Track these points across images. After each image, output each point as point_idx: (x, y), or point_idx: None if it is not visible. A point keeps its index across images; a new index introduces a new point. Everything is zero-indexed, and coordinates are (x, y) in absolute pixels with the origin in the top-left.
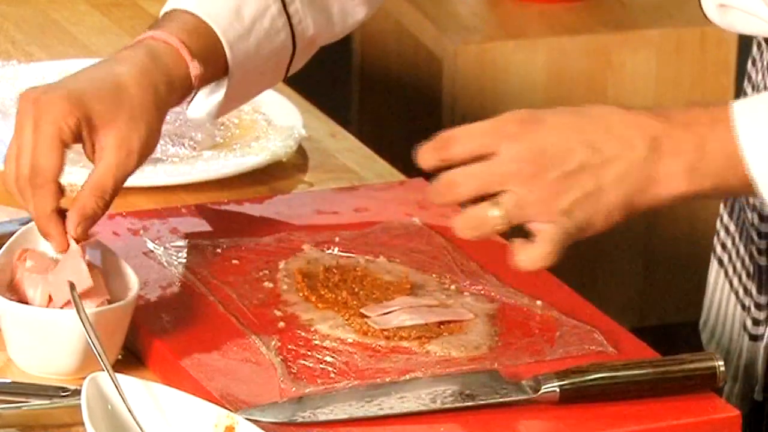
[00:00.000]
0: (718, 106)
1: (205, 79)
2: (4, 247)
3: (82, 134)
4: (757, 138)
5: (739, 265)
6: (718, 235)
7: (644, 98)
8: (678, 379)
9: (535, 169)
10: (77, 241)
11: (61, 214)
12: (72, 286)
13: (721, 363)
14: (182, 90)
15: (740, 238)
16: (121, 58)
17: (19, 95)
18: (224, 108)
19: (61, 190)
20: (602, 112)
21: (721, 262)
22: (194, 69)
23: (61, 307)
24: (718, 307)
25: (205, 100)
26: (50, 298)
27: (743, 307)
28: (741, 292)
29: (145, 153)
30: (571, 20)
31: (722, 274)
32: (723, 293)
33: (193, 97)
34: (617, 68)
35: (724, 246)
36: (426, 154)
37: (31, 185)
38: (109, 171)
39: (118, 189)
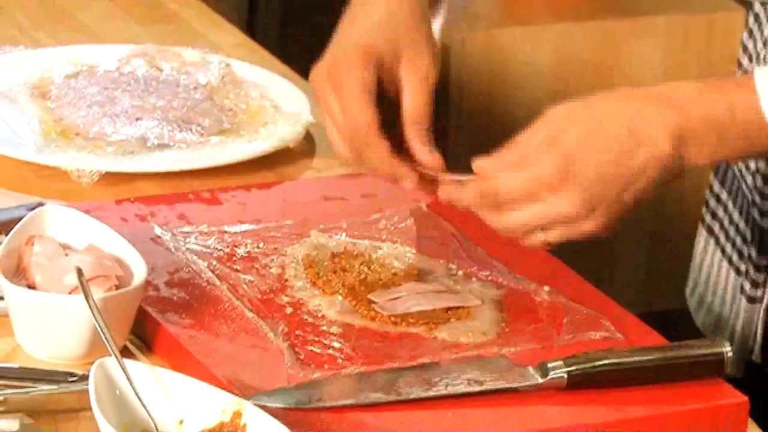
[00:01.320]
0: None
1: None
2: (11, 232)
3: (381, 78)
4: None
5: (732, 231)
6: (708, 204)
7: (652, 82)
8: (686, 365)
9: (581, 214)
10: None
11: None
12: (80, 272)
13: (729, 349)
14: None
15: (734, 205)
16: (365, 1)
17: (311, 78)
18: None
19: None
20: (620, 114)
21: (711, 231)
22: None
23: (69, 293)
24: (707, 274)
25: None
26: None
27: (738, 272)
28: (735, 257)
29: (437, 63)
30: (579, 7)
31: (712, 242)
32: (714, 260)
33: None
34: (624, 55)
35: (714, 214)
36: (481, 206)
37: (357, 143)
38: (417, 97)
39: (430, 109)
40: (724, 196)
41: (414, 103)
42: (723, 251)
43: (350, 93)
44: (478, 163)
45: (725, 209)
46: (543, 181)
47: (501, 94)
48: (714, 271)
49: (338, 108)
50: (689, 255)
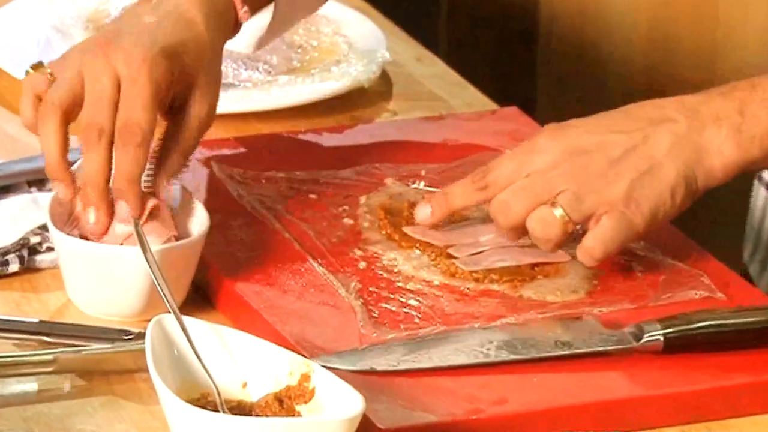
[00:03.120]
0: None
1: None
2: None
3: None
4: None
5: None
6: None
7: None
8: None
9: (578, 164)
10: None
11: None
12: (136, 221)
13: None
14: (233, 30)
15: None
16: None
17: (86, 43)
18: (265, 40)
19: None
20: (630, 106)
21: None
22: (243, 16)
23: (121, 244)
24: None
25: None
26: (108, 230)
27: None
28: None
29: (216, 103)
30: None
31: None
32: None
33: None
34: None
35: None
36: (463, 193)
37: (122, 142)
38: (194, 129)
39: (196, 147)
40: None
41: (188, 137)
42: None
43: (145, 90)
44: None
45: None
46: (533, 144)
47: (592, 44)
48: None
49: (109, 89)
50: (742, 216)
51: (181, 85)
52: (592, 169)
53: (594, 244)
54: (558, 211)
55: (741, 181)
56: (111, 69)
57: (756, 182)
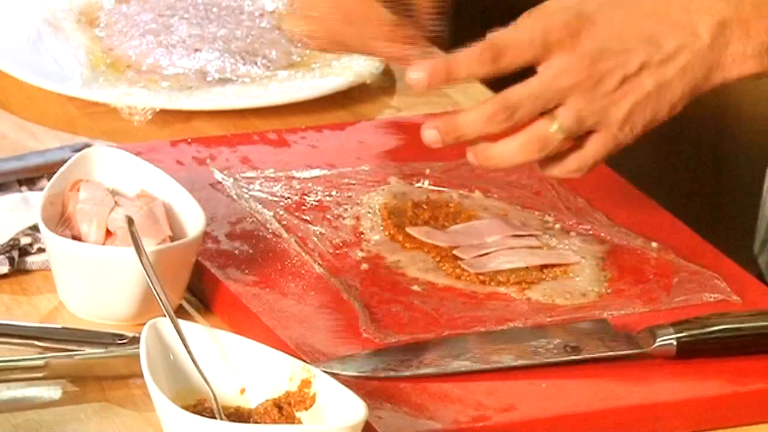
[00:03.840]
0: None
1: None
2: (55, 177)
3: None
4: None
5: None
6: None
7: None
8: None
9: (593, 79)
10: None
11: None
12: (130, 221)
13: None
14: None
15: None
16: None
17: None
18: None
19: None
20: None
21: None
22: None
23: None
24: None
25: None
26: (107, 235)
27: None
28: None
29: None
30: None
31: None
32: None
33: None
34: None
35: None
36: (474, 65)
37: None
38: None
39: None
40: None
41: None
42: None
43: None
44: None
45: None
46: (553, 36)
47: None
48: None
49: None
50: (754, 207)
51: None
52: (603, 86)
53: (576, 167)
54: (554, 127)
55: (754, 170)
56: None
57: None
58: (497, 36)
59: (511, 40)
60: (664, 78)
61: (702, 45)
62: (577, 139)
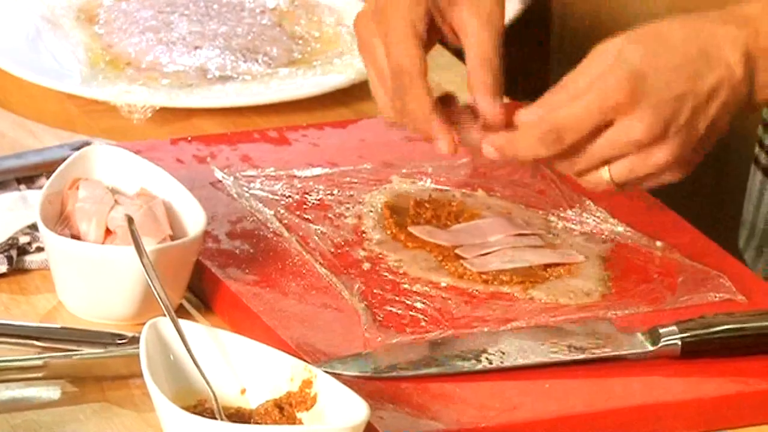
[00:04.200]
0: None
1: None
2: (54, 175)
3: (435, 22)
4: None
5: None
6: (762, 142)
7: None
8: None
9: (652, 136)
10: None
11: (439, 107)
12: (130, 220)
13: None
14: None
15: None
16: None
17: (354, 21)
18: None
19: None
20: (689, 34)
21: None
22: None
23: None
24: (766, 219)
25: None
26: (107, 234)
27: None
28: None
29: (501, 8)
30: None
31: None
32: None
33: None
34: None
35: None
36: (539, 148)
37: (399, 91)
38: (481, 39)
39: (498, 51)
40: None
41: (478, 46)
42: None
43: (395, 32)
44: (535, 105)
45: None
46: (611, 102)
47: (608, 20)
48: None
49: (382, 50)
50: (738, 201)
51: (443, 12)
52: (662, 145)
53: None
54: (607, 175)
55: (739, 165)
56: (372, 33)
57: (753, 167)
58: (557, 116)
59: (570, 118)
60: (711, 117)
61: (738, 78)
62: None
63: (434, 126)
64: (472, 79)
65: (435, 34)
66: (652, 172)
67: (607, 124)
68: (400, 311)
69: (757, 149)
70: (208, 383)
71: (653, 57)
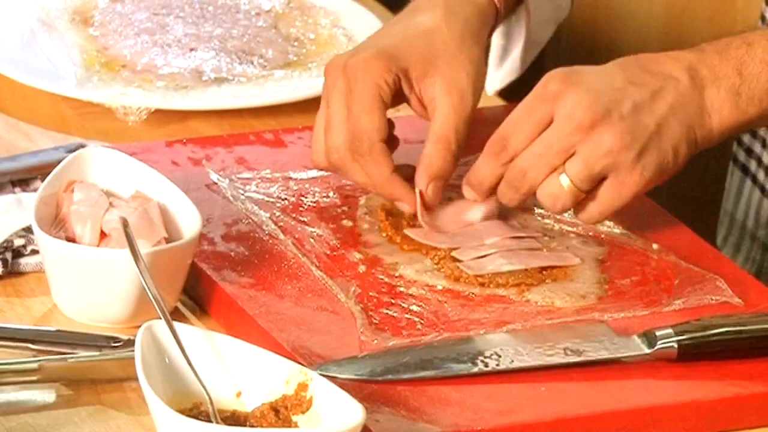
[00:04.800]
0: (747, 31)
1: (507, 5)
2: (49, 177)
3: (402, 90)
4: None
5: None
6: (740, 141)
7: None
8: None
9: (594, 117)
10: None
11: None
12: (125, 223)
13: None
14: (491, 17)
15: None
16: (417, 8)
17: (325, 67)
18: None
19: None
20: (630, 58)
21: (746, 170)
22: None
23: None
24: (743, 217)
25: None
26: (102, 236)
27: None
28: None
29: (478, 89)
30: None
31: (748, 182)
32: (752, 201)
33: (496, 25)
34: (741, 5)
35: (750, 151)
36: (488, 168)
37: (355, 155)
38: (447, 120)
39: (462, 137)
40: (762, 130)
41: (442, 122)
42: (763, 190)
43: (361, 96)
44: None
45: (764, 144)
46: (546, 94)
47: (607, 48)
48: (752, 213)
49: (342, 108)
50: (717, 199)
51: (413, 82)
52: (605, 127)
53: (595, 214)
54: (566, 182)
55: (717, 163)
56: (338, 87)
57: (731, 165)
58: (500, 127)
59: (510, 121)
60: (659, 115)
61: (683, 84)
62: (591, 189)
63: (396, 189)
64: (425, 157)
65: (401, 99)
66: (609, 162)
67: (548, 125)
68: (396, 314)
69: (735, 147)
70: (203, 386)
71: (602, 76)
